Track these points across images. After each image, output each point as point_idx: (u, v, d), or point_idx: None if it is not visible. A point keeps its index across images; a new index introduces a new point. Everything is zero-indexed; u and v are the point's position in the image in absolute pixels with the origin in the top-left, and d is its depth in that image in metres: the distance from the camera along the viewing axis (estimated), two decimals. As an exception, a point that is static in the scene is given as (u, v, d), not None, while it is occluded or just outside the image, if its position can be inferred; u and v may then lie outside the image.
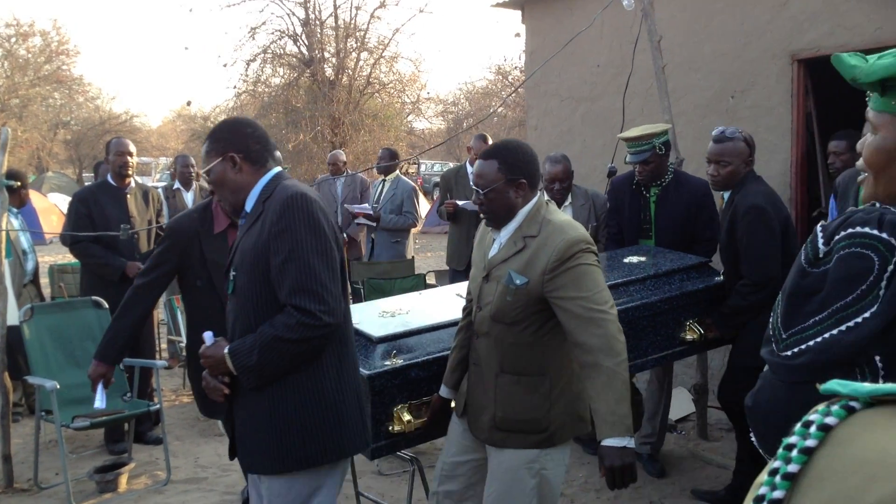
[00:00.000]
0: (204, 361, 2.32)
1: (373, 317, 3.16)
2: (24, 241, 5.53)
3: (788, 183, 5.01)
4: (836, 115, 5.25)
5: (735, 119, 5.16)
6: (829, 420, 0.60)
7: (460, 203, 5.93)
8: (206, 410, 3.66)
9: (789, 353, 1.38)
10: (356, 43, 21.51)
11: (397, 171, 7.45)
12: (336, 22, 21.30)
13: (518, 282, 2.45)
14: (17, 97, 26.84)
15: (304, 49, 21.28)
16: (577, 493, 4.17)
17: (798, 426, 0.61)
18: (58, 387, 4.08)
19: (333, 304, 2.22)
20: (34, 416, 4.58)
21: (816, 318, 1.36)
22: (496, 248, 2.61)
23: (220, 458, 4.75)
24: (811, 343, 1.35)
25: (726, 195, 3.71)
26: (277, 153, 2.55)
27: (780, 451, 0.61)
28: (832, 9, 4.72)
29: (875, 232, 1.32)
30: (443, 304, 3.31)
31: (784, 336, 1.40)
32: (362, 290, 5.72)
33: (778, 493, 0.59)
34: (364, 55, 21.84)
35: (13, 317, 4.57)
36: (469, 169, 6.21)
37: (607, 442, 2.31)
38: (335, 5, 21.06)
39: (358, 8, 21.46)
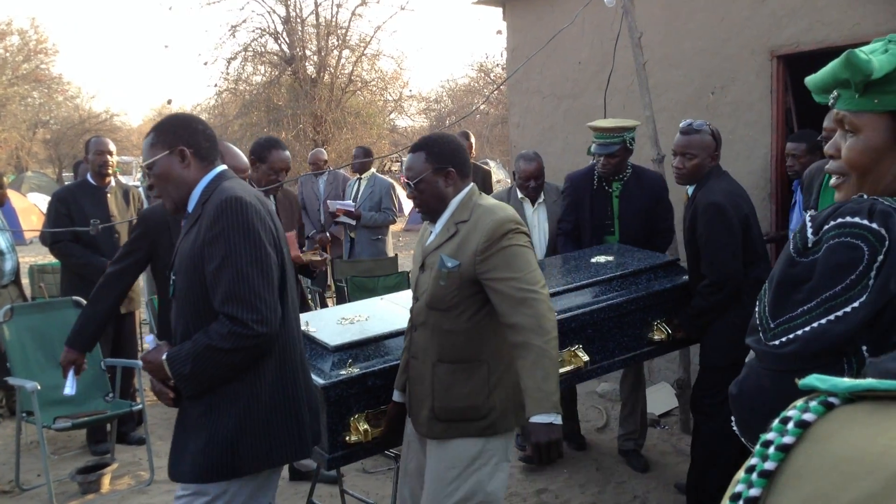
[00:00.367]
0: (144, 367, 2.30)
1: (331, 324, 3.12)
2: (3, 241, 5.48)
3: (769, 178, 5.05)
4: (815, 110, 5.29)
5: (715, 115, 5.20)
6: (808, 416, 0.59)
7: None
8: None
9: (777, 342, 1.37)
10: (337, 41, 21.44)
11: (372, 169, 7.47)
12: (317, 20, 21.21)
13: (450, 264, 2.48)
14: (-5, 96, 26.56)
15: (285, 47, 21.18)
16: (562, 489, 4.19)
17: (776, 422, 0.61)
18: (39, 388, 4.05)
19: (267, 313, 2.17)
20: (15, 418, 4.54)
21: (805, 308, 1.35)
22: (431, 238, 2.65)
23: (203, 457, 4.73)
24: (799, 332, 1.34)
25: (690, 190, 3.67)
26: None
27: (757, 447, 0.60)
28: (810, 5, 4.75)
29: (865, 222, 1.32)
30: (404, 309, 3.23)
31: (772, 325, 1.40)
32: (346, 289, 5.72)
33: (755, 491, 0.58)
34: (346, 53, 21.76)
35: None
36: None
37: (535, 419, 2.33)
38: (316, 3, 20.97)
39: (339, 5, 21.38)
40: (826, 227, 1.38)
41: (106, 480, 4.34)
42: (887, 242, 1.30)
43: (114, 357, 4.72)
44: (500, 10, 6.96)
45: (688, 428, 4.88)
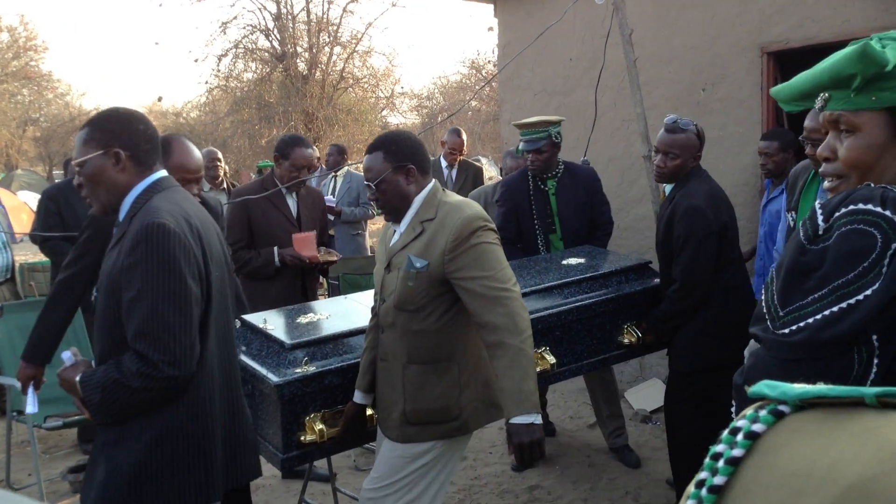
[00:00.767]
0: (60, 384, 2.16)
1: (289, 322, 3.05)
2: (-6, 239, 5.44)
3: (759, 174, 5.07)
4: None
5: (706, 111, 5.21)
6: (757, 427, 0.57)
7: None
8: None
9: (786, 330, 1.35)
10: (329, 37, 21.41)
11: (346, 167, 7.48)
12: (308, 16, 21.18)
13: (418, 265, 2.42)
14: (-15, 94, 26.43)
15: (276, 44, 21.14)
16: (554, 486, 4.20)
17: (725, 433, 0.58)
18: (29, 387, 4.03)
19: (180, 354, 2.00)
20: (5, 417, 4.53)
21: (816, 296, 1.33)
22: (396, 237, 2.59)
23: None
24: (810, 320, 1.32)
25: (668, 188, 3.61)
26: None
27: (707, 460, 0.58)
28: (800, 2, 4.77)
29: (878, 209, 1.30)
30: (366, 307, 3.14)
31: (781, 313, 1.37)
32: (339, 286, 5.72)
33: None
34: (337, 50, 21.75)
35: (-18, 317, 4.50)
36: (443, 163, 6.21)
37: (515, 419, 2.30)
38: (307, 0, 20.95)
39: (330, 2, 21.45)
40: (837, 213, 1.35)
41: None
42: None
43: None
44: (491, 6, 6.96)
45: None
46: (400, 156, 2.51)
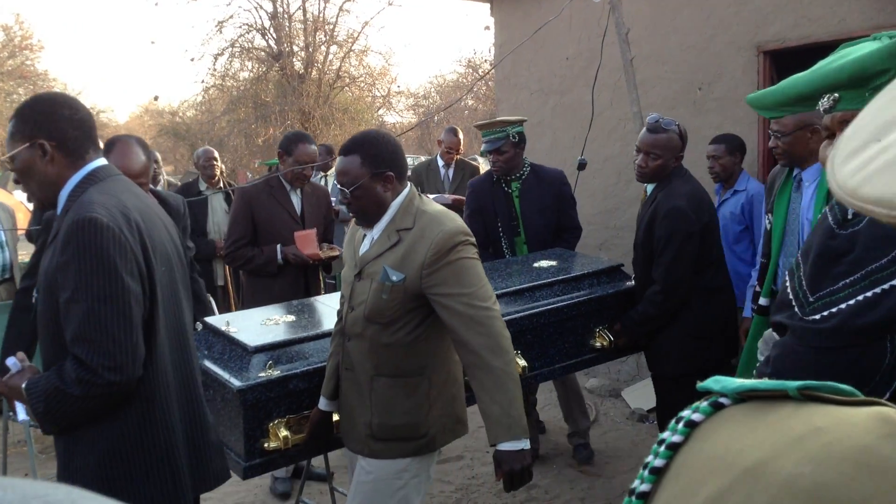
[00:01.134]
0: (6, 392, 2.05)
1: (254, 324, 2.92)
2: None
3: (755, 173, 5.07)
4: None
5: (702, 111, 5.22)
6: (696, 416, 0.62)
7: (431, 196, 5.93)
8: None
9: (817, 316, 1.33)
10: (325, 36, 21.40)
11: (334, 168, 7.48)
12: (304, 15, 21.19)
13: (395, 278, 2.29)
14: (-20, 93, 26.37)
15: (272, 43, 21.13)
16: (551, 485, 4.20)
17: (672, 422, 0.63)
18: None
19: (121, 358, 1.86)
20: (2, 417, 4.52)
21: (847, 280, 1.30)
22: (368, 244, 2.44)
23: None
24: (843, 306, 1.30)
25: (649, 188, 3.53)
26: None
27: (654, 445, 0.63)
28: (796, 1, 4.78)
29: None
30: (333, 310, 3.01)
31: (811, 299, 1.35)
32: (336, 284, 5.72)
33: (645, 487, 0.61)
34: (333, 49, 21.75)
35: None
36: (440, 163, 6.21)
37: (504, 446, 2.22)
38: (303, -1, 20.95)
39: (326, 1, 21.35)
40: None
41: (94, 479, 4.32)
42: None
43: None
44: (487, 5, 6.96)
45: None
46: (379, 161, 2.35)
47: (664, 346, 3.46)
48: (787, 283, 1.42)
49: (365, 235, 2.47)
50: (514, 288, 3.30)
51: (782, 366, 1.40)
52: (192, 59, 31.82)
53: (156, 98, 33.59)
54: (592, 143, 5.42)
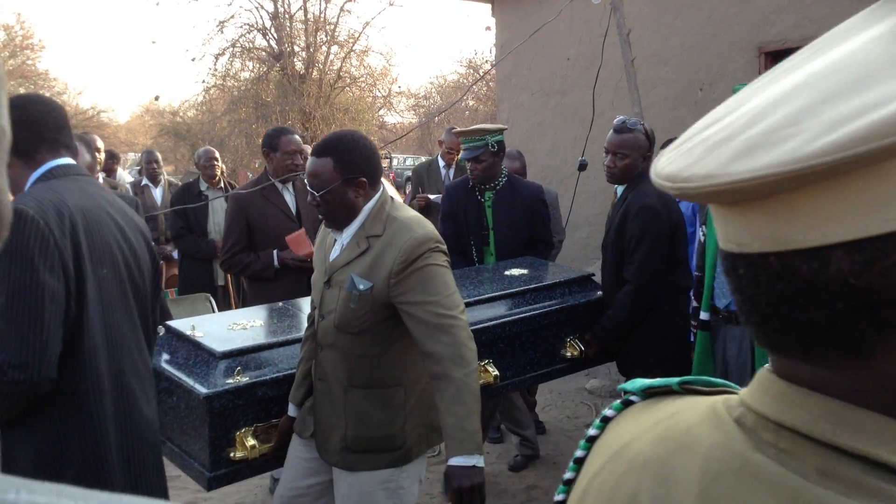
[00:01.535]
0: None
1: (221, 329, 2.80)
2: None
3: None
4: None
5: (704, 111, 5.11)
6: (609, 413, 0.71)
7: (432, 197, 5.93)
8: None
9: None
10: (326, 36, 21.41)
11: None
12: (305, 15, 21.19)
13: (362, 287, 2.22)
14: (-19, 93, 26.38)
15: (273, 43, 21.14)
16: (552, 486, 4.20)
17: (597, 420, 0.72)
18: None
19: (27, 356, 1.77)
20: None
21: None
22: (338, 251, 2.35)
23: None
24: None
25: (619, 190, 3.52)
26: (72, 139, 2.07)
27: (581, 441, 0.72)
28: (798, 2, 4.78)
29: None
30: (304, 315, 2.93)
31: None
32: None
33: (569, 475, 0.73)
34: (334, 49, 21.76)
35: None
36: (441, 163, 6.21)
37: (455, 461, 2.11)
38: (304, -1, 20.96)
39: (327, 1, 21.36)
40: None
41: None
42: None
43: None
44: (488, 6, 6.96)
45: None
46: (352, 167, 2.25)
47: (635, 349, 3.42)
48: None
49: (335, 240, 2.39)
50: (487, 296, 3.26)
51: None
52: (193, 59, 31.81)
53: (157, 98, 33.65)
54: (593, 143, 5.41)
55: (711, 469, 0.56)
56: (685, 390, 0.67)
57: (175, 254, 6.06)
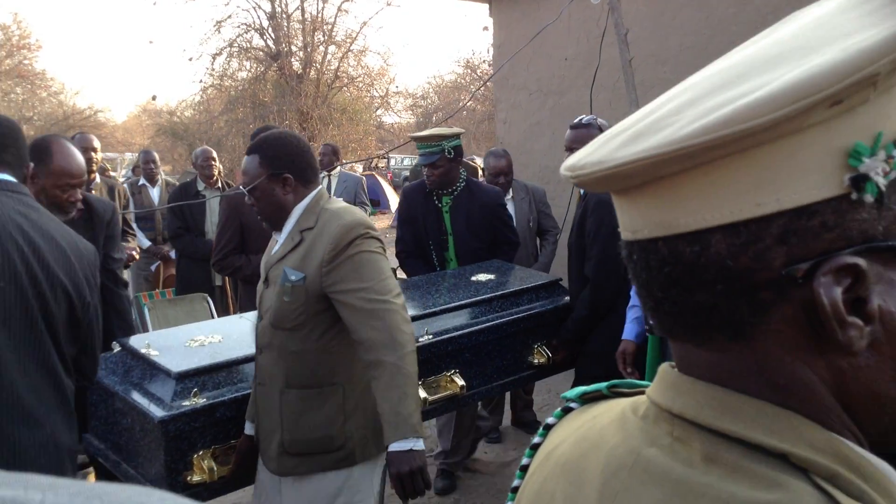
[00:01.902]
0: None
1: (177, 346, 2.69)
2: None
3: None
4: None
5: (702, 112, 5.22)
6: (551, 420, 0.74)
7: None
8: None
9: None
10: (323, 36, 21.42)
11: (339, 167, 7.45)
12: (303, 15, 21.20)
13: (294, 278, 2.19)
14: (-22, 92, 26.37)
15: (270, 43, 21.15)
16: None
17: (541, 428, 0.75)
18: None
19: None
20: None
21: None
22: (276, 248, 2.35)
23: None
24: None
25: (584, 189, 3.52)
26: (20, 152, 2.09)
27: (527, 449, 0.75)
28: (795, 3, 4.77)
29: None
30: None
31: None
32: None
33: (516, 482, 0.75)
34: (332, 49, 21.78)
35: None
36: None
37: (393, 446, 2.07)
38: (302, -1, 20.95)
39: (325, 1, 21.37)
40: None
41: (91, 479, 4.32)
42: None
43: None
44: (486, 6, 6.96)
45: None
46: (277, 163, 2.26)
47: (596, 346, 3.36)
48: None
49: (277, 242, 2.38)
50: (454, 304, 3.21)
51: None
52: (191, 59, 31.91)
53: (154, 98, 33.62)
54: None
55: (611, 466, 0.58)
56: (613, 394, 0.71)
57: (173, 254, 6.05)
